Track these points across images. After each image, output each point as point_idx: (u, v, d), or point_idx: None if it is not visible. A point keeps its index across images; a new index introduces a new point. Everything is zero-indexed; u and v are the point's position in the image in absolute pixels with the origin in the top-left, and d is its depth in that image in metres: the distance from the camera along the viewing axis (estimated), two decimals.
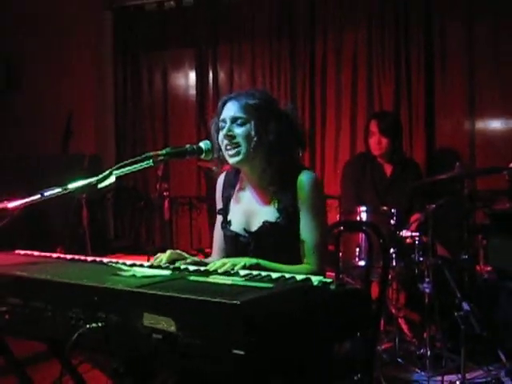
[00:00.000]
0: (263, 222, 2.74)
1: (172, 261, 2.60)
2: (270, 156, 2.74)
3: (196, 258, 2.68)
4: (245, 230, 2.80)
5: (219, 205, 2.99)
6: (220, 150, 2.79)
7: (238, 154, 2.71)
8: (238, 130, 2.70)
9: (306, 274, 2.41)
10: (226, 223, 2.89)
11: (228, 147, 2.71)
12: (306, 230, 2.71)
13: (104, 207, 7.53)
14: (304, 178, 2.72)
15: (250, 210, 2.83)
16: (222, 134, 2.74)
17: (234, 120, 2.71)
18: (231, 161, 2.74)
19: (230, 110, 2.74)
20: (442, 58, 6.11)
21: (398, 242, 4.61)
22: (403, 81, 6.21)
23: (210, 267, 2.31)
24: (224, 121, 2.75)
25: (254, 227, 2.78)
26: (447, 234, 5.28)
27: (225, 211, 2.93)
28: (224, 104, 2.80)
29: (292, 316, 1.67)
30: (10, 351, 2.66)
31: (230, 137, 2.70)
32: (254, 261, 2.47)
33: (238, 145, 2.70)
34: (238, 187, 2.93)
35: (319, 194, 2.76)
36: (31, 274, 2.15)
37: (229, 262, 2.35)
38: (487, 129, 6.05)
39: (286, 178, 2.75)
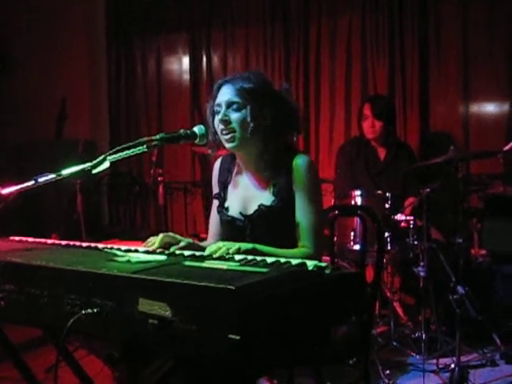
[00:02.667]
0: (259, 206, 2.74)
1: (165, 244, 2.58)
2: (266, 140, 2.74)
3: (190, 240, 2.66)
4: (241, 213, 2.80)
5: (215, 189, 2.99)
6: (216, 133, 2.78)
7: (233, 139, 2.70)
8: (234, 116, 2.69)
9: (303, 257, 2.42)
10: (222, 208, 2.89)
11: (224, 132, 2.71)
12: (302, 212, 2.71)
13: (98, 193, 7.52)
14: (299, 162, 2.71)
15: (246, 194, 2.83)
16: (217, 118, 2.73)
17: (229, 105, 2.70)
18: (227, 146, 2.74)
19: (226, 94, 2.72)
20: (436, 42, 6.10)
21: (392, 226, 4.62)
22: (397, 64, 6.20)
23: (205, 252, 2.31)
24: (219, 105, 2.73)
25: (250, 211, 2.78)
26: (442, 217, 5.29)
27: (221, 196, 2.93)
28: (219, 87, 2.78)
29: (287, 300, 1.67)
30: (5, 337, 2.67)
31: (226, 122, 2.69)
32: (249, 245, 2.46)
33: (233, 130, 2.69)
34: (235, 171, 2.92)
35: (314, 177, 2.76)
36: (26, 260, 2.15)
37: (224, 247, 2.34)
38: (481, 112, 6.05)
39: (281, 162, 2.74)
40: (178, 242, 2.59)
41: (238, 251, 2.35)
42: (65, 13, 7.29)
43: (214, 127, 2.78)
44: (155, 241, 2.58)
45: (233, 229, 2.81)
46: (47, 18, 7.26)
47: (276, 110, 2.72)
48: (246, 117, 2.68)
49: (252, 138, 2.71)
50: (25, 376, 2.75)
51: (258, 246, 2.50)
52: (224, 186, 2.93)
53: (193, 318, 1.59)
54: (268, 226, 2.73)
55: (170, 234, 2.64)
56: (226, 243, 2.40)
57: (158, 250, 2.40)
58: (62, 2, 7.27)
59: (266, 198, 2.76)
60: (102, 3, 7.59)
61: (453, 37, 6.04)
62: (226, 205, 2.89)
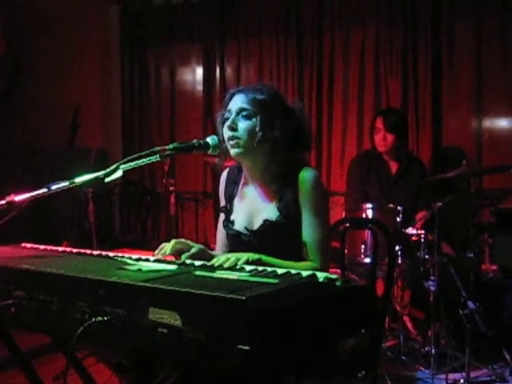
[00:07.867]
0: (264, 221, 2.72)
1: (177, 250, 2.57)
2: (274, 152, 2.72)
3: (201, 246, 2.65)
4: (246, 228, 2.78)
5: (222, 202, 2.97)
6: (224, 141, 2.77)
7: (238, 145, 2.68)
8: (243, 124, 2.68)
9: (308, 270, 2.41)
10: (228, 222, 2.87)
11: (230, 138, 2.70)
12: (308, 227, 2.69)
13: (110, 201, 7.54)
14: (305, 176, 2.69)
15: (252, 207, 2.81)
16: (226, 125, 2.72)
17: (239, 111, 2.69)
18: (231, 152, 2.72)
19: (237, 101, 2.72)
20: (449, 56, 6.10)
21: (403, 240, 4.61)
22: (410, 78, 6.20)
23: (215, 262, 2.31)
24: (230, 111, 2.73)
25: (256, 226, 2.76)
26: (453, 232, 5.28)
27: (228, 209, 2.91)
28: (231, 96, 2.77)
29: (297, 312, 1.67)
30: (15, 344, 2.67)
31: (233, 129, 2.68)
32: (256, 256, 2.46)
33: (239, 138, 2.68)
34: (242, 183, 2.90)
35: (321, 191, 2.74)
36: (37, 267, 2.15)
37: (232, 257, 2.34)
38: (494, 127, 6.04)
39: (288, 176, 2.73)
40: (190, 248, 2.59)
41: (247, 262, 2.35)
42: (79, 22, 7.33)
43: (222, 135, 2.77)
44: (167, 247, 2.58)
45: (239, 243, 2.79)
46: (61, 27, 7.30)
47: (286, 124, 2.70)
48: (255, 126, 2.67)
49: (258, 148, 2.69)
50: (33, 383, 2.75)
51: (264, 258, 2.50)
52: (230, 198, 2.92)
53: (202, 328, 1.59)
54: (273, 240, 2.71)
55: (182, 240, 2.63)
56: (234, 254, 2.40)
57: (169, 260, 2.40)
58: (77, 12, 7.31)
59: (271, 211, 2.73)
60: (117, 13, 7.63)
61: (466, 51, 6.04)
62: (232, 218, 2.87)
